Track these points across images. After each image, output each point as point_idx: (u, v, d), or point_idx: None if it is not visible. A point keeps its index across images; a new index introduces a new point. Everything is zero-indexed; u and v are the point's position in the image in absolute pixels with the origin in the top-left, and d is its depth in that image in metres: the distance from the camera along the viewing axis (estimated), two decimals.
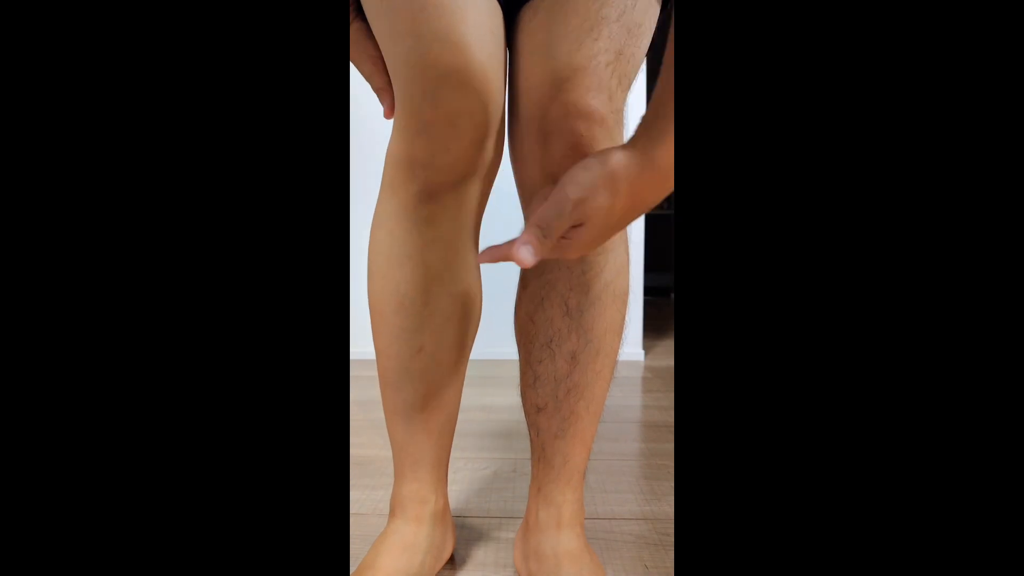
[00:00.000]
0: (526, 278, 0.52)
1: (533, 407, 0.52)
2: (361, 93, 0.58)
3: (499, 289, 1.69)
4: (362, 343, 1.66)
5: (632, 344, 1.78)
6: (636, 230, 1.76)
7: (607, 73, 0.45)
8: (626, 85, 0.48)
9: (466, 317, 0.53)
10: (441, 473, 0.57)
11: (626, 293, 0.52)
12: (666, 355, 1.86)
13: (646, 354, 1.84)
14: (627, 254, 0.51)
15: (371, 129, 1.59)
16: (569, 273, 0.49)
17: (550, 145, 0.46)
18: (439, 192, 0.47)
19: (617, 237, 0.50)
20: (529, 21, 0.47)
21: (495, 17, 0.45)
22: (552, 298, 0.49)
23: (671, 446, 0.99)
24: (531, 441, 0.54)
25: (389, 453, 0.95)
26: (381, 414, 1.15)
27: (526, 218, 0.51)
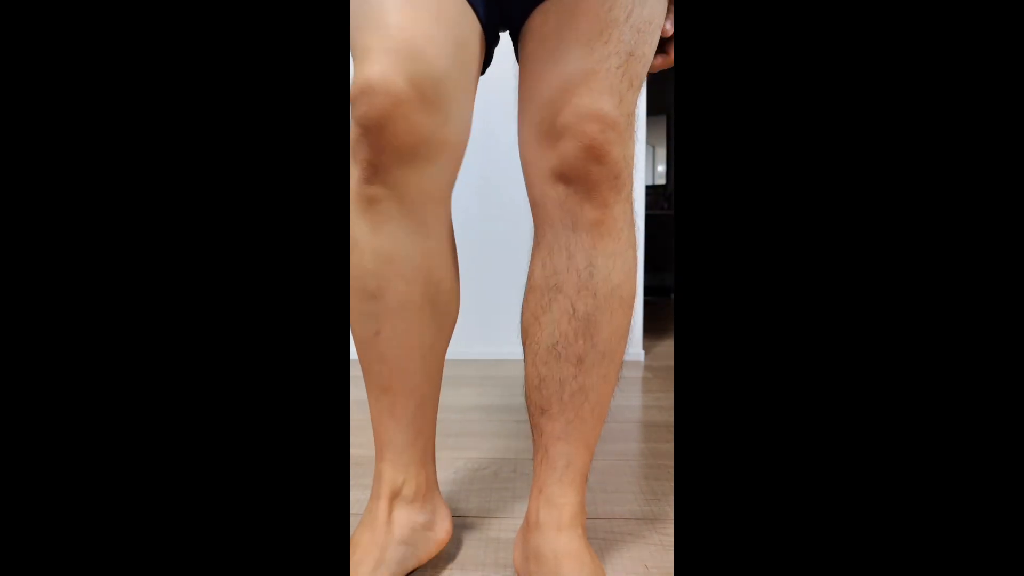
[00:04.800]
0: (534, 279, 0.52)
1: (537, 409, 0.52)
2: None
3: (497, 291, 1.69)
4: None
5: (632, 344, 1.78)
6: (636, 230, 1.76)
7: (617, 76, 0.45)
8: (637, 86, 0.48)
9: (430, 303, 0.53)
10: (414, 457, 0.56)
11: (632, 297, 0.52)
12: (666, 355, 1.86)
13: (646, 354, 1.84)
14: (635, 259, 0.52)
15: None
16: (577, 277, 0.49)
17: (562, 145, 0.46)
18: (378, 172, 0.46)
19: (626, 241, 0.50)
20: (540, 26, 0.47)
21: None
22: (559, 301, 0.49)
23: (671, 446, 0.99)
24: (534, 442, 0.54)
25: None
26: None
27: (535, 218, 0.51)
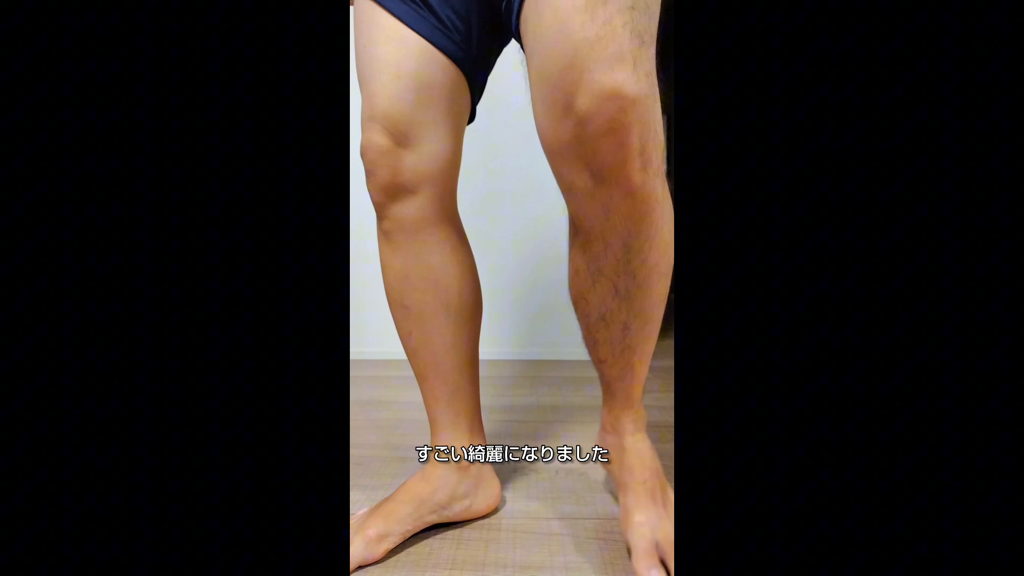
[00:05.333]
0: (576, 263, 0.56)
1: (597, 359, 0.63)
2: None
3: (497, 293, 1.69)
4: (362, 344, 1.66)
5: None
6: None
7: (625, 35, 0.44)
8: (648, 41, 0.47)
9: (444, 308, 0.66)
10: (457, 434, 0.70)
11: (671, 265, 0.56)
12: (666, 355, 1.85)
13: None
14: (671, 229, 0.53)
15: None
16: (616, 263, 0.52)
17: (581, 130, 0.45)
18: (383, 210, 0.63)
19: (660, 216, 0.51)
20: (534, 9, 0.47)
21: (415, 59, 0.58)
22: (601, 282, 0.55)
23: (671, 446, 0.99)
24: (600, 380, 0.66)
25: (389, 453, 0.95)
26: (381, 414, 1.15)
27: (567, 203, 0.53)
